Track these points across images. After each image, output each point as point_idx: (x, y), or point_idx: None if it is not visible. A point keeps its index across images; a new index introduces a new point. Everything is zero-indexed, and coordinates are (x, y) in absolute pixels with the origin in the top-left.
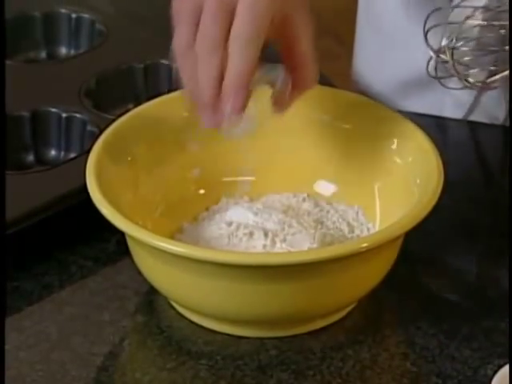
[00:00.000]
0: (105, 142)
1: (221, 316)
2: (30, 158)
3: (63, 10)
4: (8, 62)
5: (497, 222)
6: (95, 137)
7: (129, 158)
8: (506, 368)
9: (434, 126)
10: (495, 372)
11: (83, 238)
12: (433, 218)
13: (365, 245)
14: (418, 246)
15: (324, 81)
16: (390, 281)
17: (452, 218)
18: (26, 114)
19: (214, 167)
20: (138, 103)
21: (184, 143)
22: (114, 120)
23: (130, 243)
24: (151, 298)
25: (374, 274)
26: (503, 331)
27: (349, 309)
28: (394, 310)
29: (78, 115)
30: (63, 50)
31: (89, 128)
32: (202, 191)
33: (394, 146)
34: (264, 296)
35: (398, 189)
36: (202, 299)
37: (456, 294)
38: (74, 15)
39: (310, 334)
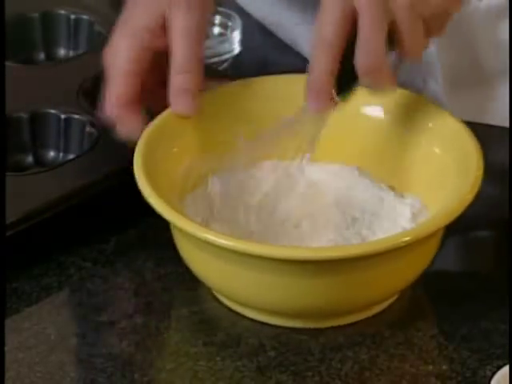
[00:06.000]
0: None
1: (259, 307)
2: (29, 159)
3: (62, 11)
4: (6, 63)
5: (496, 222)
6: (94, 138)
7: (174, 149)
8: (505, 369)
9: None
10: (494, 373)
11: (82, 240)
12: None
13: (407, 238)
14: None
15: None
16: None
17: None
18: (24, 115)
19: None
20: None
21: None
22: None
23: (175, 231)
24: (150, 300)
25: (415, 266)
26: (502, 332)
27: (390, 301)
28: (393, 311)
29: (76, 116)
30: (62, 51)
31: (87, 129)
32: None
33: (431, 135)
34: (309, 289)
35: (436, 178)
36: (247, 291)
37: (455, 295)
38: (72, 16)
39: (308, 334)
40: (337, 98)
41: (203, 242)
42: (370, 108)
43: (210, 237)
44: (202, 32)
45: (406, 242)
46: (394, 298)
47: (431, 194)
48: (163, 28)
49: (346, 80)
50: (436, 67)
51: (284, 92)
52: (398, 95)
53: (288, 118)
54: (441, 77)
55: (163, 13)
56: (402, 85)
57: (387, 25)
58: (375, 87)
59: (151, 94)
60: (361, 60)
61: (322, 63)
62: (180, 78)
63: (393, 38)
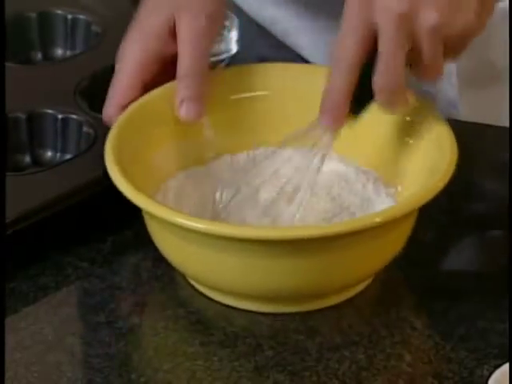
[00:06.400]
0: (120, 126)
1: (236, 291)
2: (27, 159)
3: (59, 11)
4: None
5: (496, 222)
6: (91, 138)
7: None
8: (502, 369)
9: None
10: (491, 373)
11: (79, 239)
12: (430, 217)
13: (378, 219)
14: (414, 246)
15: None
16: (386, 281)
17: (449, 218)
18: (21, 115)
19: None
20: None
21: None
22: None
23: (149, 222)
24: (147, 300)
25: (388, 248)
26: (499, 332)
27: (362, 286)
28: (390, 310)
29: (73, 116)
30: (59, 51)
31: (85, 129)
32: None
33: (409, 127)
34: (280, 271)
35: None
36: (219, 274)
37: (452, 295)
38: (69, 16)
39: (306, 334)
40: (351, 116)
41: (172, 225)
42: None
43: (180, 220)
44: (208, 38)
45: (377, 223)
46: (371, 279)
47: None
48: (172, 34)
49: (361, 97)
50: (450, 67)
51: (259, 80)
52: None
53: (300, 130)
54: (455, 77)
55: (172, 18)
56: (415, 86)
57: (408, 45)
58: (390, 106)
59: None
60: (379, 79)
61: (340, 84)
62: (183, 84)
63: (410, 58)
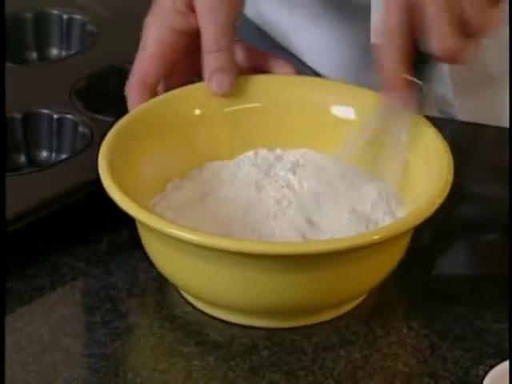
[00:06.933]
0: (113, 137)
1: (232, 305)
2: (22, 159)
3: (54, 11)
4: None
5: (495, 222)
6: (87, 138)
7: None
8: (498, 368)
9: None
10: (487, 372)
11: (75, 240)
12: (427, 219)
13: (377, 237)
14: (411, 247)
15: None
16: (382, 282)
17: (445, 219)
18: (17, 115)
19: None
20: None
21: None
22: (112, 122)
23: (141, 229)
24: (143, 300)
25: (384, 264)
26: (495, 332)
27: (359, 300)
28: (386, 310)
29: (69, 116)
30: (54, 51)
31: (80, 129)
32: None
33: (405, 141)
34: (277, 286)
35: (409, 183)
36: (216, 288)
37: (448, 295)
38: (65, 16)
39: (301, 334)
40: (415, 80)
41: (166, 236)
42: (341, 108)
43: (174, 231)
44: (229, 8)
45: (375, 240)
46: (364, 296)
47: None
48: (190, 8)
49: (418, 63)
50: (443, 70)
51: (252, 92)
52: (373, 98)
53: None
54: (448, 79)
55: None
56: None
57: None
58: (455, 62)
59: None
60: (437, 44)
61: (389, 53)
62: (212, 57)
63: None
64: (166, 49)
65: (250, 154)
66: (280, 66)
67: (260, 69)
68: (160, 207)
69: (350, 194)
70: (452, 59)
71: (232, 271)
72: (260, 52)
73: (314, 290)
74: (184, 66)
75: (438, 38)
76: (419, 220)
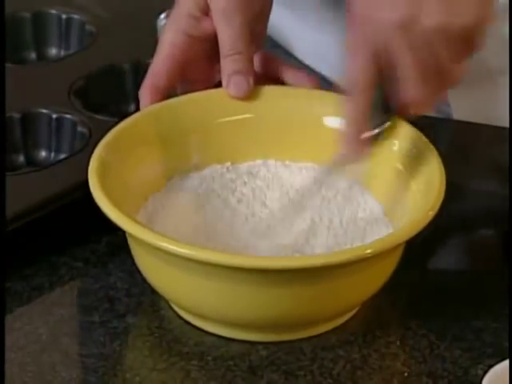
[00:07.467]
0: (107, 143)
1: (222, 319)
2: (21, 159)
3: (53, 11)
4: None
5: (495, 222)
6: (86, 138)
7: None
8: (496, 368)
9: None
10: (485, 372)
11: (73, 240)
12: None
13: (369, 251)
14: (408, 246)
15: None
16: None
17: (443, 218)
18: (16, 115)
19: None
20: (127, 104)
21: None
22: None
23: (130, 241)
24: (141, 300)
25: (376, 278)
26: (493, 331)
27: (351, 313)
28: (384, 310)
29: (68, 116)
30: (53, 51)
31: (79, 129)
32: None
33: (396, 151)
34: (267, 299)
35: (399, 194)
36: (205, 301)
37: (446, 294)
38: (63, 16)
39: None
40: (373, 132)
41: (155, 248)
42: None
43: (165, 244)
44: (244, 10)
45: (368, 254)
46: (355, 311)
47: (391, 206)
48: (204, 12)
49: (376, 115)
50: None
51: (243, 103)
52: None
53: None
54: None
55: None
56: None
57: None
58: (421, 112)
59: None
60: (408, 92)
61: (354, 109)
62: (229, 60)
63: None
64: (178, 52)
65: (243, 165)
66: (300, 79)
67: (280, 81)
68: (145, 218)
69: (343, 207)
70: (418, 109)
71: (221, 284)
72: (283, 63)
73: (302, 304)
74: (202, 72)
75: (409, 87)
76: (412, 233)
